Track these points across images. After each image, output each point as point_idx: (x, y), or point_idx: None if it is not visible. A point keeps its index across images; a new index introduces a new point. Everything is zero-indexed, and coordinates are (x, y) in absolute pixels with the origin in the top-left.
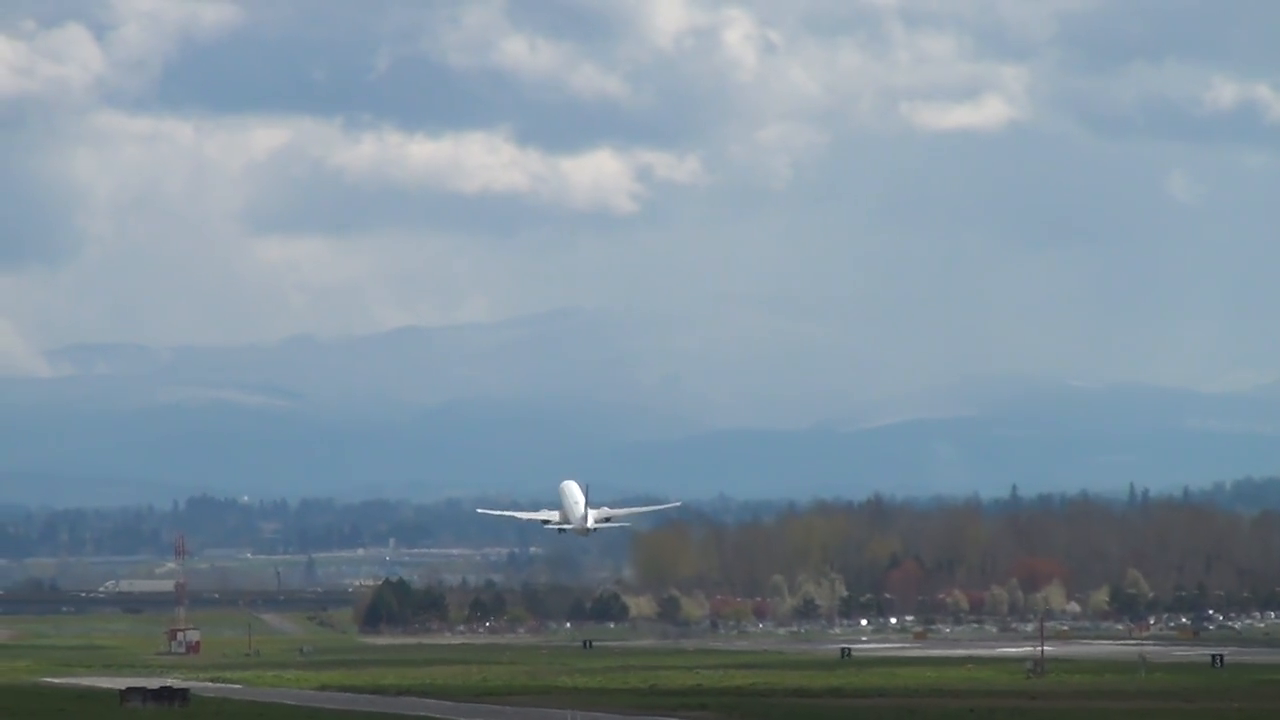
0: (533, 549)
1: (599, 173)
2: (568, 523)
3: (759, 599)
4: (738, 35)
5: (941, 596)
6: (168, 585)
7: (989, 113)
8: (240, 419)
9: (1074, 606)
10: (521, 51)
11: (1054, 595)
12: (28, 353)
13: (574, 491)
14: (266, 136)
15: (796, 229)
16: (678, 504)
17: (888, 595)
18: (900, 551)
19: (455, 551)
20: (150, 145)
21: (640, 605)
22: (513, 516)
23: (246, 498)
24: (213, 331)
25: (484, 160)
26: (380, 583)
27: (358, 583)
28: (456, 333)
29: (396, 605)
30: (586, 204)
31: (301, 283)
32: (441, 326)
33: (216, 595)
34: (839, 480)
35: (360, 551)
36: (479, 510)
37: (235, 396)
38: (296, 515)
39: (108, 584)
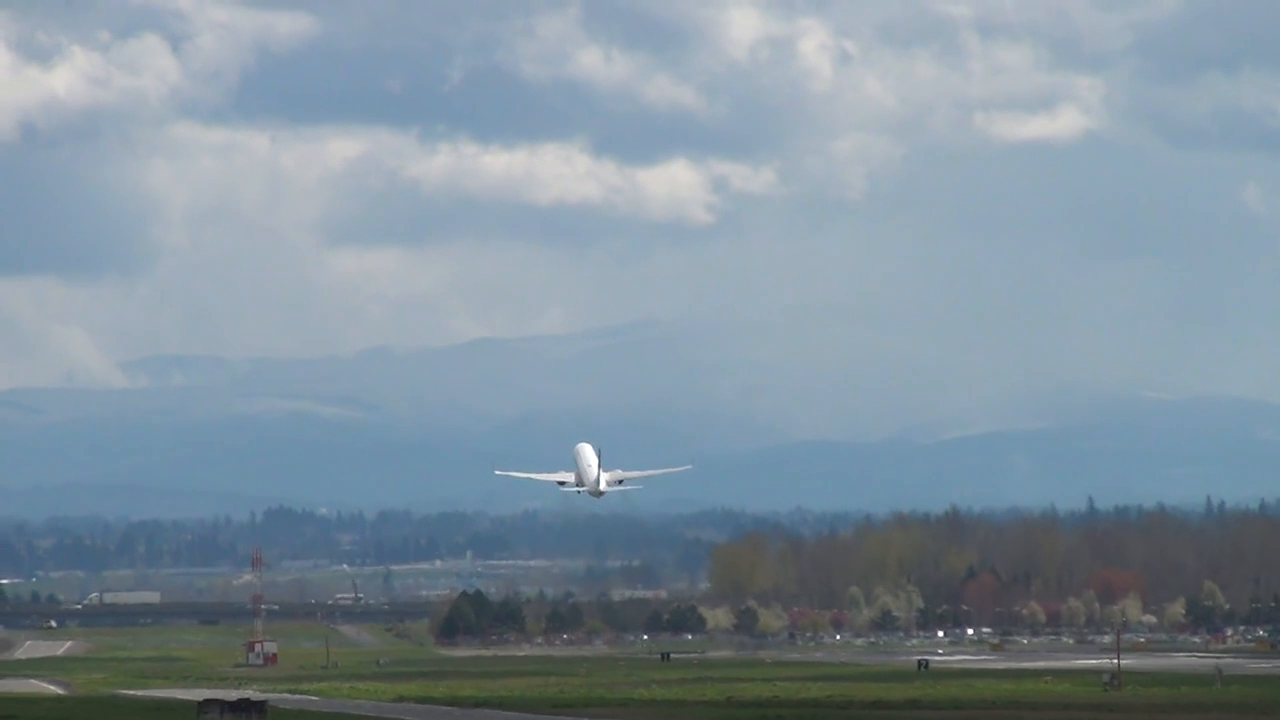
0: (610, 561)
1: (674, 184)
2: (582, 485)
3: (836, 611)
4: (813, 45)
5: (1018, 608)
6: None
7: (1064, 123)
8: (317, 430)
9: (1150, 619)
10: (596, 62)
11: (1130, 607)
12: (104, 365)
13: (588, 454)
14: (342, 147)
15: (872, 240)
16: (689, 467)
17: (964, 607)
18: (977, 563)
19: (532, 563)
20: (226, 156)
21: (717, 617)
22: (529, 478)
23: (324, 509)
24: (290, 343)
25: (559, 171)
26: (457, 594)
27: (435, 594)
28: (533, 344)
29: (473, 617)
30: (662, 215)
31: (378, 294)
32: (518, 338)
33: (286, 607)
34: (916, 492)
35: (437, 563)
36: (497, 471)
37: (312, 408)
38: (373, 527)
39: (93, 596)
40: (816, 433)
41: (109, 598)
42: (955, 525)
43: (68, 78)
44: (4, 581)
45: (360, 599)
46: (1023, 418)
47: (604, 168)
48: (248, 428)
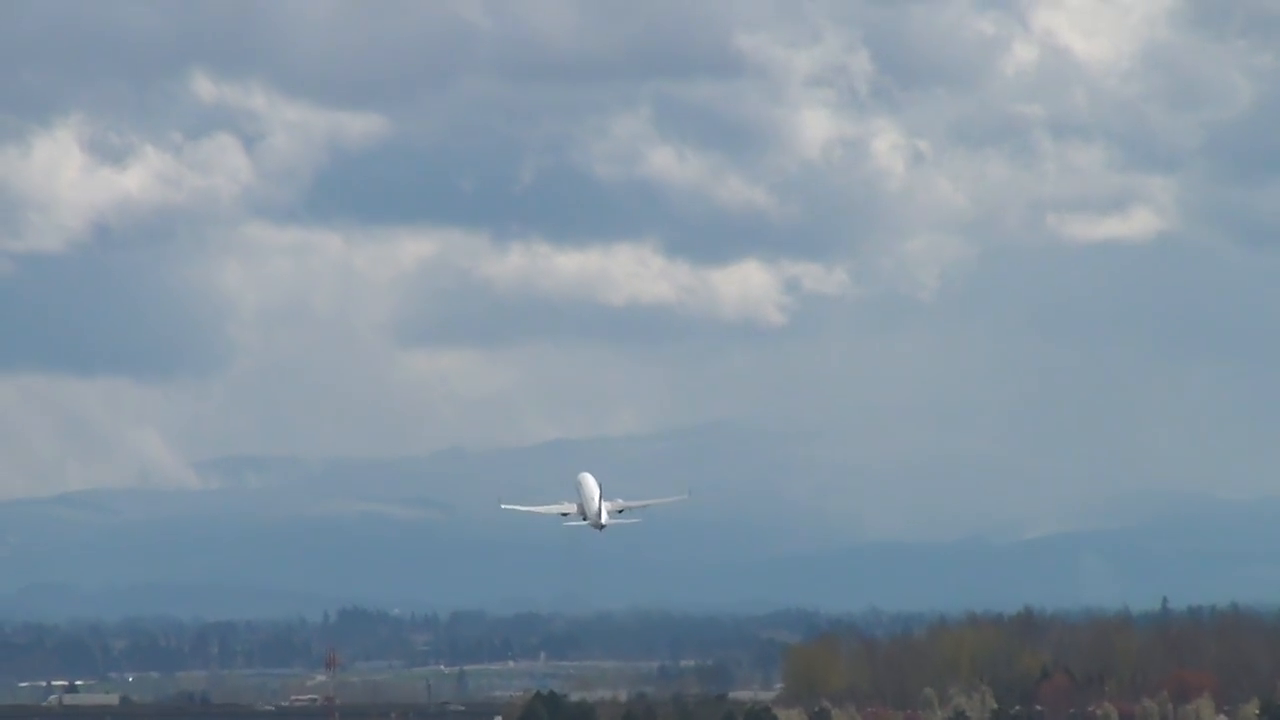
0: (683, 661)
1: (747, 284)
2: (584, 516)
3: (910, 711)
4: (885, 145)
5: (1092, 709)
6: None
7: (1137, 224)
8: (391, 531)
9: (1224, 719)
10: (669, 162)
11: (1204, 708)
12: (178, 465)
13: (590, 484)
14: (415, 247)
15: (944, 340)
16: (686, 498)
17: (1038, 707)
18: (1051, 664)
19: (606, 664)
20: (299, 256)
21: (791, 718)
22: (533, 511)
23: (397, 610)
24: (363, 443)
25: (632, 271)
26: (531, 695)
27: (509, 695)
28: (606, 444)
29: (547, 718)
30: (735, 315)
31: (450, 395)
32: (591, 438)
33: (360, 708)
34: (989, 593)
35: (511, 664)
36: (503, 506)
37: (386, 509)
38: (447, 627)
39: (51, 699)
40: (890, 533)
41: (69, 699)
42: (1029, 625)
43: (141, 178)
44: (78, 683)
45: (438, 701)
46: (1096, 518)
47: (677, 268)
48: (322, 528)
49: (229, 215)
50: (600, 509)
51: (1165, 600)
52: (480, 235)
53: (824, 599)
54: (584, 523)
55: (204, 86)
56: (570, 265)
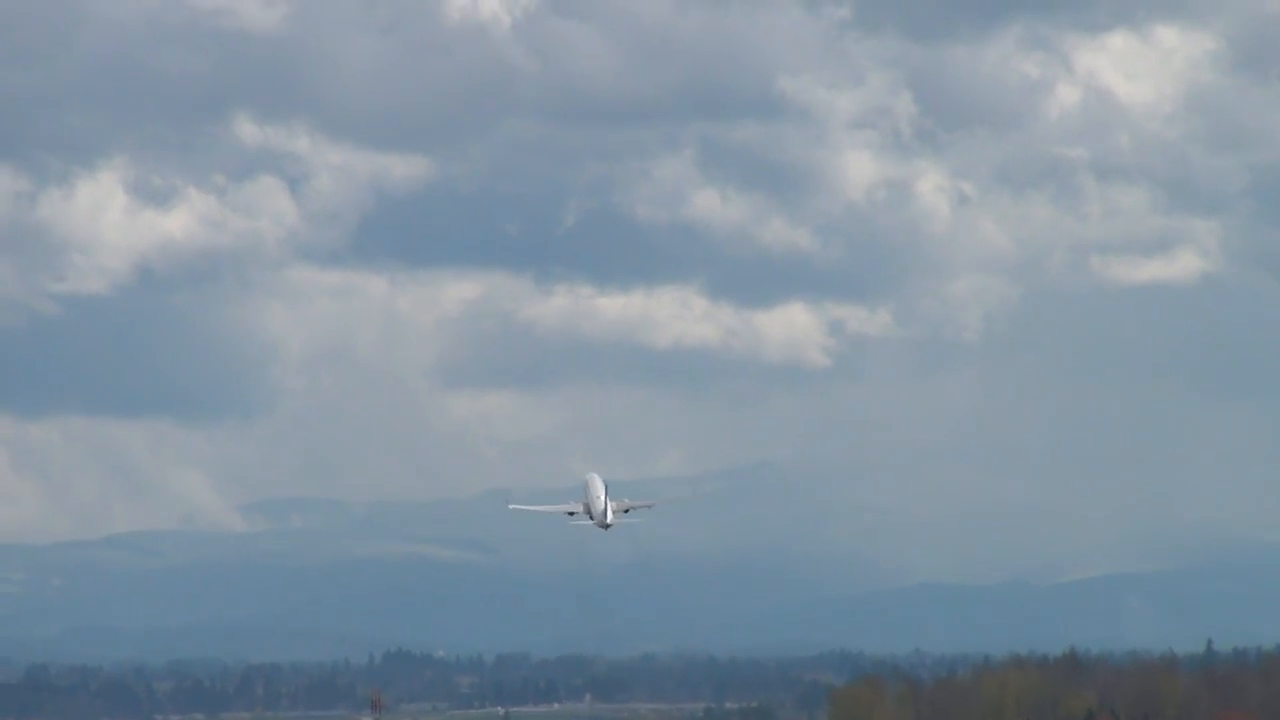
0: (728, 703)
1: (791, 326)
2: (590, 515)
3: None
4: (928, 187)
5: None
6: None
7: (1180, 266)
8: (435, 573)
9: None
10: (713, 205)
11: None
12: (223, 507)
13: (596, 485)
14: (458, 290)
15: (988, 382)
16: (691, 496)
17: None
18: (1096, 706)
19: (651, 706)
20: (343, 299)
21: None
22: (541, 510)
23: (442, 652)
24: (407, 485)
25: (676, 314)
26: None
27: None
28: (650, 486)
29: None
30: (779, 357)
31: (494, 437)
32: (635, 480)
33: None
34: (1034, 634)
35: (556, 706)
36: (511, 506)
37: (430, 550)
38: (492, 669)
39: None
40: (933, 575)
41: None
42: (1073, 667)
43: (184, 220)
44: None
45: None
46: (1140, 559)
47: (721, 310)
48: (366, 570)
49: (273, 258)
50: (606, 508)
51: (1210, 642)
52: (524, 278)
53: (868, 641)
54: (590, 522)
55: (247, 129)
56: (614, 307)
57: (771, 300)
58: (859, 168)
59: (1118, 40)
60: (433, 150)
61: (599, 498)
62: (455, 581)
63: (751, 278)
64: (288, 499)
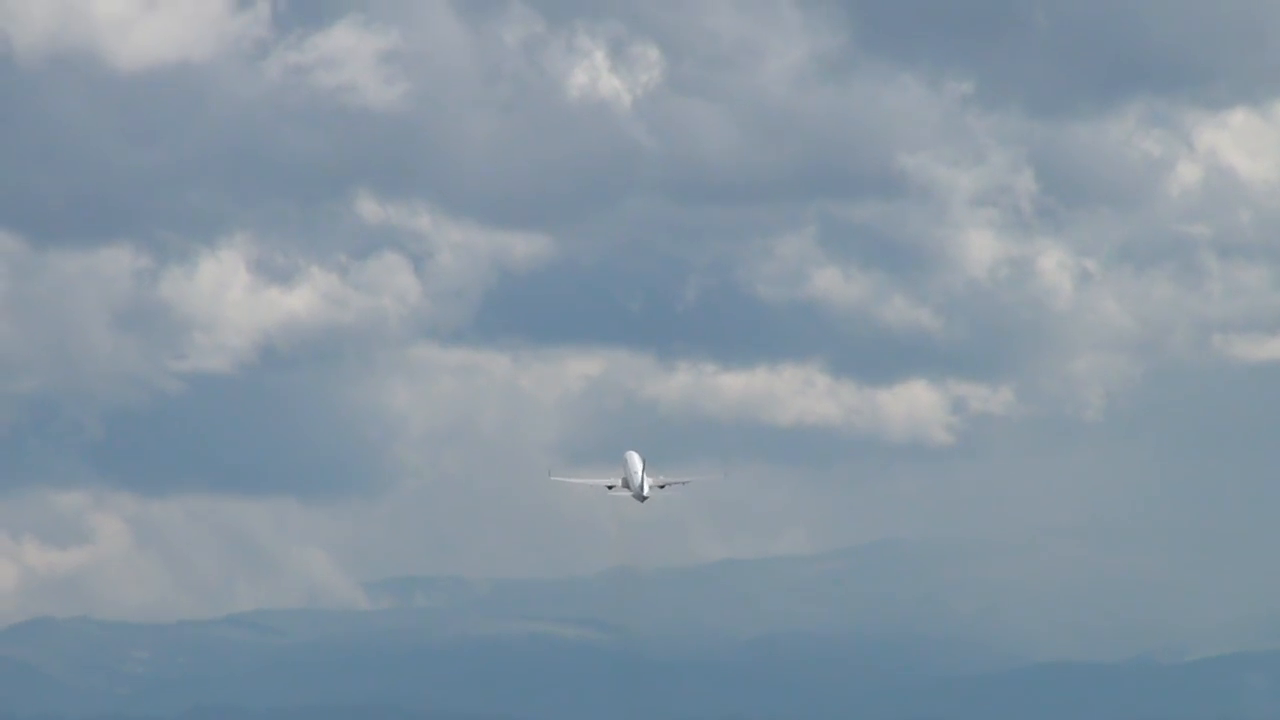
0: None
1: (913, 404)
2: (628, 489)
3: None
4: (1049, 264)
5: None
6: None
7: None
8: (559, 652)
9: None
10: (834, 282)
11: None
12: (346, 585)
13: (635, 461)
14: (581, 367)
15: (1110, 459)
16: (722, 475)
17: None
18: None
19: None
20: (466, 376)
21: None
22: (582, 483)
23: None
24: (530, 563)
25: (798, 391)
26: None
27: None
28: (775, 564)
29: None
30: (901, 435)
31: (617, 514)
32: (760, 558)
33: None
34: (1160, 712)
35: None
36: (552, 477)
37: (554, 629)
38: None
39: None
40: (1056, 653)
41: None
42: None
43: (307, 298)
44: None
45: None
46: (1265, 637)
47: (843, 388)
48: (490, 649)
49: (395, 335)
50: (643, 482)
51: None
52: (646, 355)
53: (992, 719)
54: (628, 493)
55: (368, 207)
56: (736, 385)
57: (893, 378)
58: (980, 245)
59: (1238, 117)
60: (554, 228)
61: (637, 472)
62: (578, 660)
63: (873, 355)
64: (411, 577)
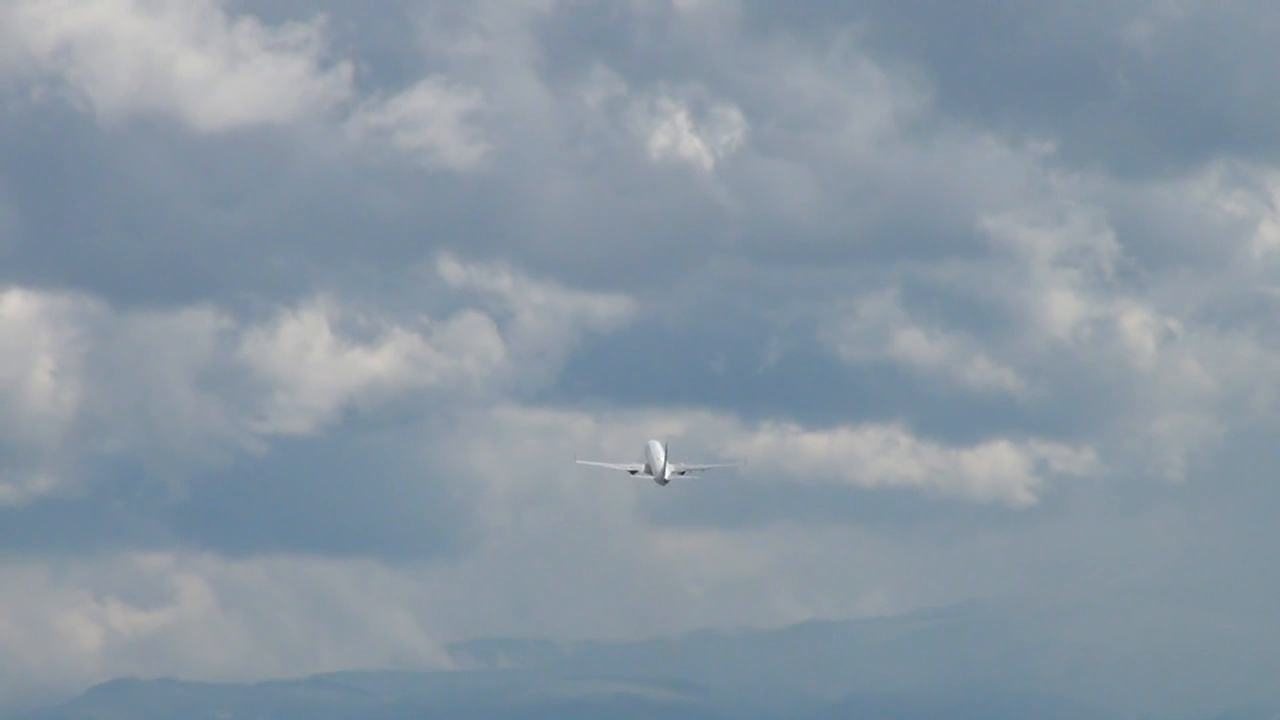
0: None
1: (996, 465)
2: (649, 473)
3: None
4: (1132, 325)
5: None
6: None
7: None
8: (645, 713)
9: None
10: (917, 343)
11: None
12: (430, 646)
13: (656, 448)
14: (663, 427)
15: (1193, 520)
16: (744, 461)
17: None
18: None
19: None
20: (549, 437)
21: None
22: (606, 467)
23: None
24: (614, 624)
25: (881, 451)
26: None
27: None
28: (859, 626)
29: None
30: (984, 496)
31: (700, 576)
32: (844, 620)
33: None
34: None
35: None
36: (578, 461)
37: (639, 690)
38: None
39: None
40: (1142, 713)
41: None
42: None
43: (389, 359)
44: None
45: None
46: None
47: (926, 449)
48: (575, 710)
49: (478, 397)
50: (665, 468)
51: None
52: (728, 415)
53: None
54: (649, 477)
55: (450, 268)
56: (818, 445)
57: (976, 438)
58: (1062, 306)
59: None
60: (636, 289)
61: (659, 458)
62: None
63: (956, 416)
64: (495, 638)
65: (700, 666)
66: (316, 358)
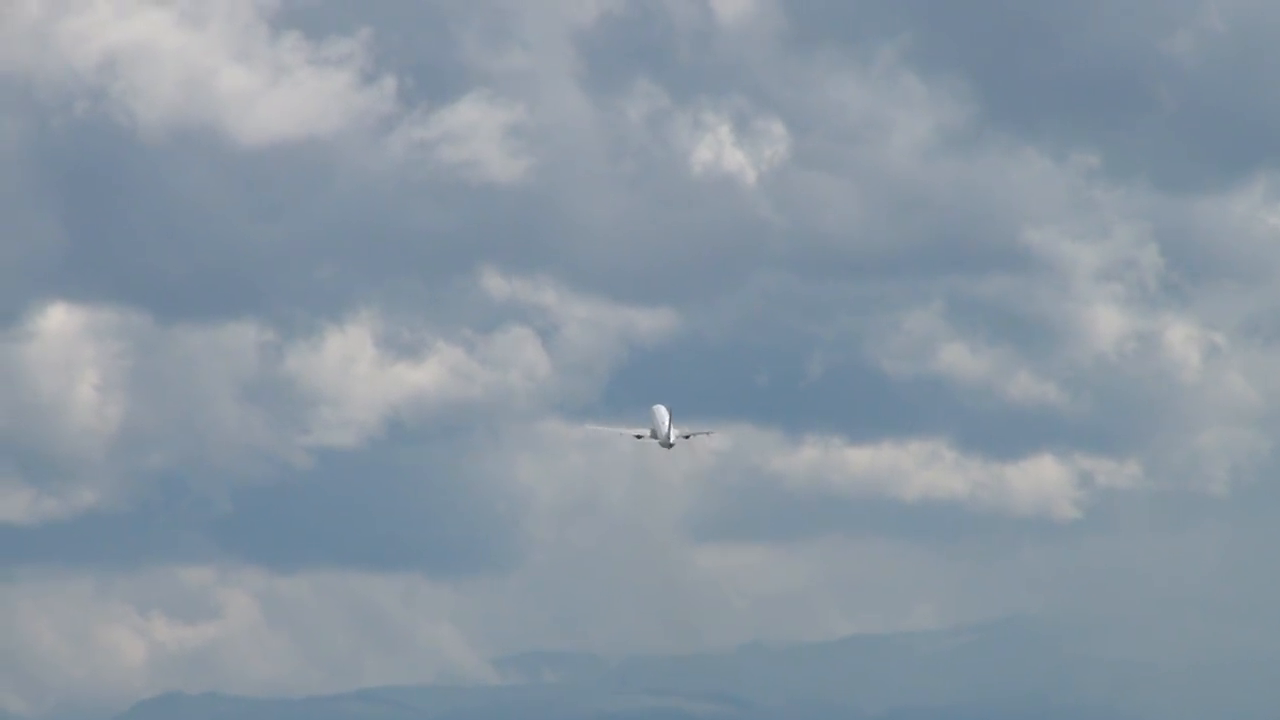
0: None
1: (1040, 479)
2: (655, 437)
3: None
4: (1176, 339)
5: None
6: None
7: None
8: None
9: None
10: (961, 357)
11: None
12: (476, 661)
13: (661, 413)
14: (708, 441)
15: (1237, 535)
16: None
17: None
18: None
19: None
20: (593, 451)
21: None
22: (614, 431)
23: None
24: (659, 638)
25: (925, 465)
26: None
27: None
28: (904, 640)
29: None
30: (1029, 510)
31: (745, 590)
32: (889, 633)
33: None
34: None
35: None
36: (587, 426)
37: (685, 704)
38: None
39: None
40: None
41: None
42: None
43: (434, 373)
44: None
45: None
46: None
47: (970, 462)
48: None
49: (523, 410)
50: (670, 432)
51: None
52: (773, 429)
53: None
54: (654, 441)
55: (494, 282)
56: (863, 459)
57: (1020, 452)
58: (1106, 320)
59: None
60: (680, 302)
61: (664, 423)
62: None
63: (1000, 430)
64: (540, 652)
65: (745, 680)
66: (361, 371)
